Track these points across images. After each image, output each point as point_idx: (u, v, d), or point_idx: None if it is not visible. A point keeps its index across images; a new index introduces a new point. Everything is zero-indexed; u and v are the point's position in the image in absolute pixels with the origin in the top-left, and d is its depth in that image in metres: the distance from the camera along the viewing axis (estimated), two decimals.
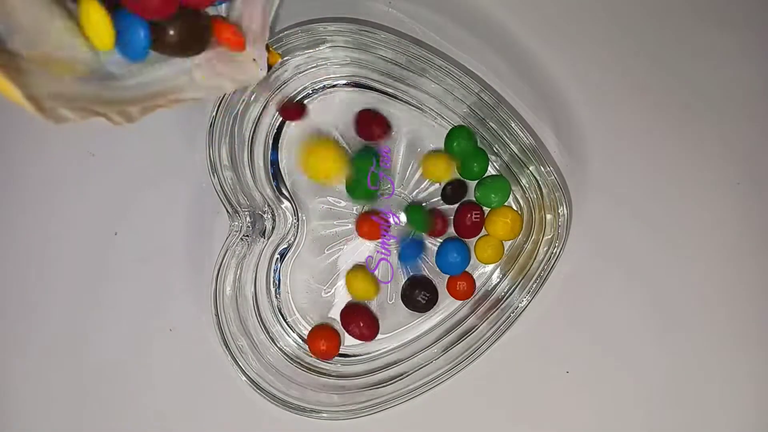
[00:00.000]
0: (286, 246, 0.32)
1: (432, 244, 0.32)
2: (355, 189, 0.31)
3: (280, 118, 0.32)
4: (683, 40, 0.33)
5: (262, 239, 0.31)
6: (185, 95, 0.21)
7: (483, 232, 0.31)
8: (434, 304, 0.32)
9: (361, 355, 0.33)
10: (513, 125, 0.29)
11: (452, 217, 0.32)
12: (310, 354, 0.32)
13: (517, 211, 0.31)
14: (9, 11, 0.14)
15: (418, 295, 0.31)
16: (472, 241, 0.32)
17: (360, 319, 0.31)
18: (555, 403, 0.32)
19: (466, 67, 0.32)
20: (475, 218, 0.31)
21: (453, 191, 0.31)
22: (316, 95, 0.32)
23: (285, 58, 0.29)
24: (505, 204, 0.31)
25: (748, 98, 0.33)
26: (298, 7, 0.31)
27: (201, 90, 0.21)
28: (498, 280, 0.32)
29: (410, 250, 0.32)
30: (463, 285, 0.31)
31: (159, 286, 0.33)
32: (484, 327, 0.30)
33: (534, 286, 0.29)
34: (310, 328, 0.32)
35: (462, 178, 0.32)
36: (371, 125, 0.31)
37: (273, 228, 0.31)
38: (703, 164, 0.33)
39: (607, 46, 0.33)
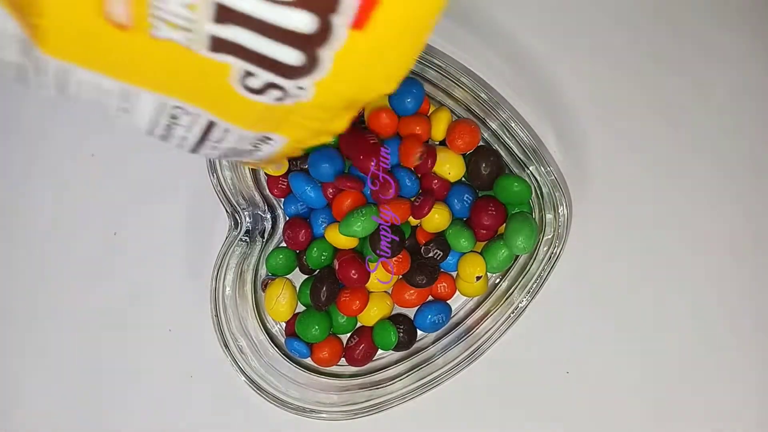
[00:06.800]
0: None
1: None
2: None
3: None
4: (684, 40, 0.33)
5: (261, 239, 0.31)
6: None
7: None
8: (414, 336, 0.31)
9: None
10: (513, 125, 0.29)
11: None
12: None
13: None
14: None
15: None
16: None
17: (363, 340, 0.31)
18: (555, 403, 0.32)
19: (466, 67, 0.32)
20: (488, 220, 0.30)
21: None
22: None
23: None
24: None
25: (749, 98, 0.33)
26: None
27: None
28: (498, 280, 0.32)
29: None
30: (444, 287, 0.31)
31: (159, 286, 0.33)
32: (483, 327, 0.30)
33: (534, 286, 0.29)
34: None
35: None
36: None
37: (272, 228, 0.31)
38: (703, 164, 0.32)
39: (607, 46, 0.33)
